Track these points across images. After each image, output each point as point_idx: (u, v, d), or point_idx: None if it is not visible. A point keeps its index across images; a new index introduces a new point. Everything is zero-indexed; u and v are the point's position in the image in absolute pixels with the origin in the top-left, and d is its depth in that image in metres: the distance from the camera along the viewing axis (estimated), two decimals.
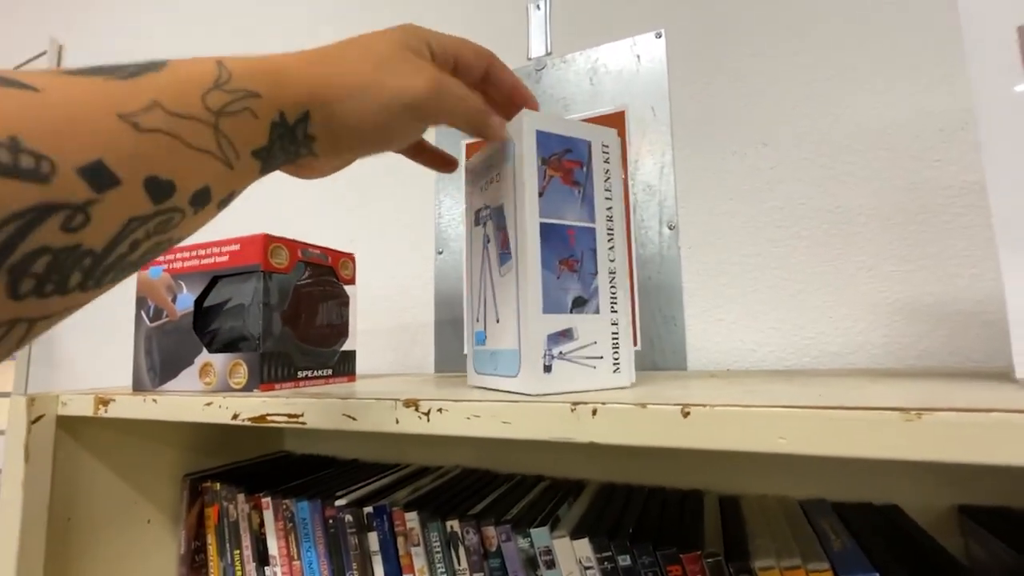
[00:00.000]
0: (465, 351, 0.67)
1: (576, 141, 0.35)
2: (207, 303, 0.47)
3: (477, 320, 0.38)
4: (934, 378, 0.34)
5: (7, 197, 0.14)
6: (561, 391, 0.32)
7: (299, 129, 0.24)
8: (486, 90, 0.33)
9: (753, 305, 0.55)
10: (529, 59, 0.69)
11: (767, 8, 0.58)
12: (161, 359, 0.47)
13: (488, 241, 0.35)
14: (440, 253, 0.72)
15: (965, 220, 0.48)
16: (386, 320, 0.77)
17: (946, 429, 0.20)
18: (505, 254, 0.34)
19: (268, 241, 0.45)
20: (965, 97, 0.49)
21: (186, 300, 0.46)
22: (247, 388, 0.43)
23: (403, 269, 0.76)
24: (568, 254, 0.33)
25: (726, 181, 0.58)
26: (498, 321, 0.34)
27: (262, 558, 0.55)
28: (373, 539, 0.49)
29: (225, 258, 0.45)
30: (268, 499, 0.54)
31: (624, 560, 0.39)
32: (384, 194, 0.79)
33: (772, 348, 0.54)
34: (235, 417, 0.39)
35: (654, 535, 0.40)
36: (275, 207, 0.89)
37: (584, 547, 0.40)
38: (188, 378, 0.46)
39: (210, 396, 0.41)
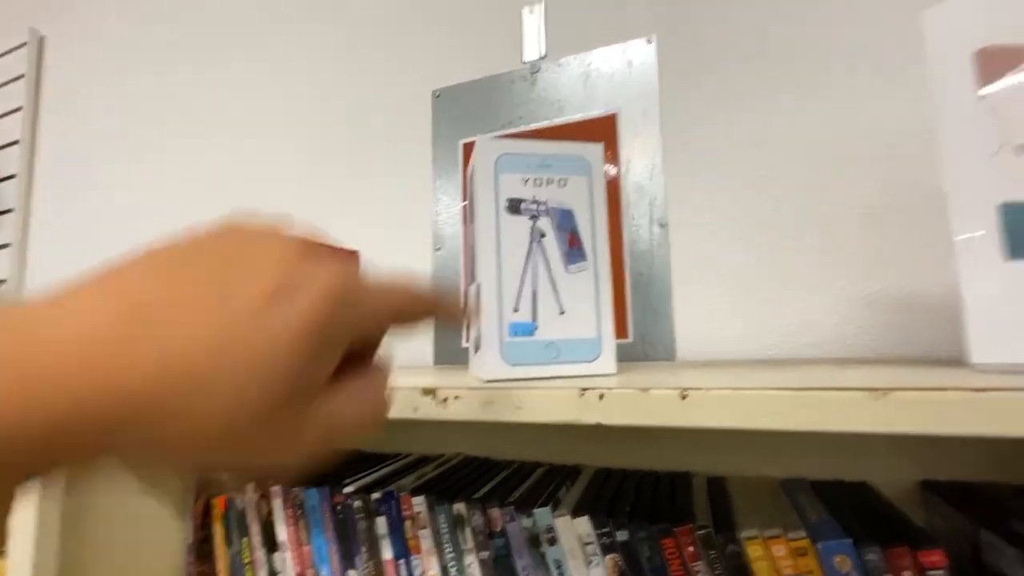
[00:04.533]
0: (466, 343, 0.69)
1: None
2: None
3: (516, 311, 0.38)
4: (901, 365, 0.38)
5: None
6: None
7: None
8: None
9: (738, 300, 0.59)
10: (524, 63, 0.72)
11: (755, 16, 0.61)
12: None
13: (542, 236, 0.37)
14: (438, 249, 0.74)
15: (932, 220, 0.52)
16: None
17: (908, 406, 0.24)
18: (576, 253, 0.38)
19: None
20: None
21: None
22: None
23: (400, 265, 0.78)
24: None
25: (714, 181, 0.61)
26: (562, 313, 0.37)
27: (270, 544, 0.57)
28: (381, 523, 0.51)
29: None
30: (277, 487, 0.56)
31: (622, 535, 0.42)
32: (381, 191, 0.81)
33: (756, 340, 0.57)
34: None
35: (648, 512, 0.44)
36: (274, 203, 0.90)
37: (584, 524, 0.43)
38: None
39: None
